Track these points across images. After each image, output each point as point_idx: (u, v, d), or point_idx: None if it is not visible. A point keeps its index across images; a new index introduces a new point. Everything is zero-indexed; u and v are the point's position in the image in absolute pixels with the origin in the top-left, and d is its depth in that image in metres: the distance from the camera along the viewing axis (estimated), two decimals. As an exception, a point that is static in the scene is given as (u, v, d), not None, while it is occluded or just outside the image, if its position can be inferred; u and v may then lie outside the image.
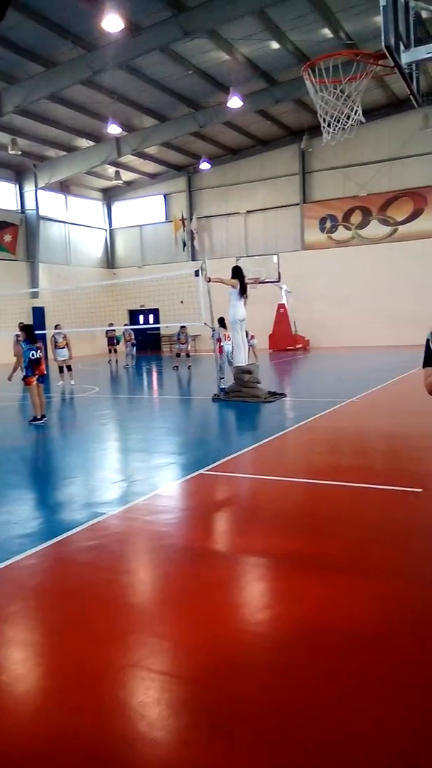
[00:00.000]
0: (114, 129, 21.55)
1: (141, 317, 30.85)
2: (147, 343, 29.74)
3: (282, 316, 25.70)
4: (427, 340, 3.47)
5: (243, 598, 3.65)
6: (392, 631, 3.10)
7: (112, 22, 14.83)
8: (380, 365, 17.16)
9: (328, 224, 27.21)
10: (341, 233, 27.02)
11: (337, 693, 2.61)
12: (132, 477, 6.50)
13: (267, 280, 23.98)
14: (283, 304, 25.63)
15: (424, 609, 3.34)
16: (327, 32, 17.56)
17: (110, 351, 22.57)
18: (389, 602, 3.43)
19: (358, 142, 24.67)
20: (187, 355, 19.68)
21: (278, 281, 24.76)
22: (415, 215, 25.48)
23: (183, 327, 19.44)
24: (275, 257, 25.37)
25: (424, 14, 7.52)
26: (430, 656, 2.87)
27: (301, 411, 10.30)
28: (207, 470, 6.42)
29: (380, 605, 3.38)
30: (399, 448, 7.41)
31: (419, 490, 5.46)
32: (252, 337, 18.04)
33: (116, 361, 22.23)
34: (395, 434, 8.11)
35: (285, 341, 25.52)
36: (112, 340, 22.63)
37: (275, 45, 18.30)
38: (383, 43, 3.57)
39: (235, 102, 19.93)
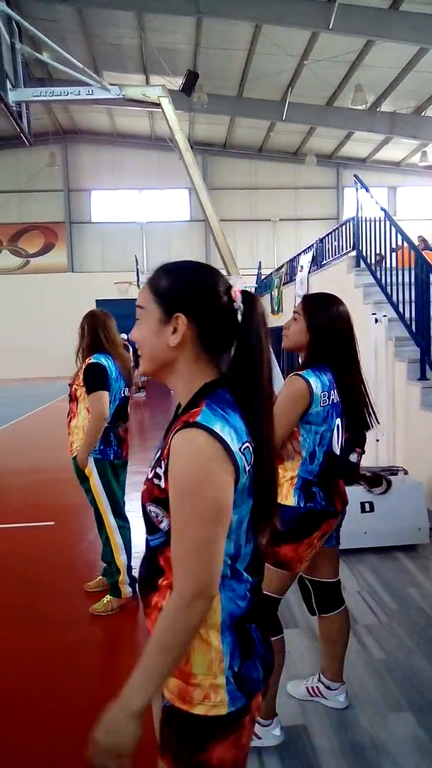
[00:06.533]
0: None
1: None
2: None
3: None
4: (95, 363, 3.54)
5: None
6: (33, 680, 2.98)
7: None
8: (14, 399, 16.92)
9: None
10: (-30, 260, 25.93)
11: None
12: None
13: None
14: None
15: (55, 648, 3.31)
16: None
17: None
18: (20, 647, 3.30)
19: (-14, 170, 24.21)
20: None
21: None
22: (46, 249, 26.00)
23: None
24: None
25: (41, 58, 7.72)
26: (65, 697, 2.84)
27: None
28: None
29: (10, 652, 3.23)
30: (33, 484, 7.33)
31: (52, 523, 5.48)
32: None
33: None
34: (29, 469, 8.01)
35: None
36: None
37: None
38: (-15, 78, 3.55)
39: None
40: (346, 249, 8.53)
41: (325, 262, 9.86)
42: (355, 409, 2.47)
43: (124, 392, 3.76)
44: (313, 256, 10.64)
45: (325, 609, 2.58)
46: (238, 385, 1.28)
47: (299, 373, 2.34)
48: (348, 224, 8.51)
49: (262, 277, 17.25)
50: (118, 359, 3.68)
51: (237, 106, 19.38)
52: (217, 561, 1.19)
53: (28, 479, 7.56)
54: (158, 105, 4.12)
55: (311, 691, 2.68)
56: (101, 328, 3.66)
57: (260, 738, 2.34)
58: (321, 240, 10.34)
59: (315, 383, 2.31)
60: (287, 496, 2.33)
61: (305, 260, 11.01)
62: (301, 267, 11.14)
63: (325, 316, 2.40)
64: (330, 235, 9.84)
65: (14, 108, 4.10)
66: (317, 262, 10.33)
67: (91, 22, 15.59)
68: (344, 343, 2.41)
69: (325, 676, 2.65)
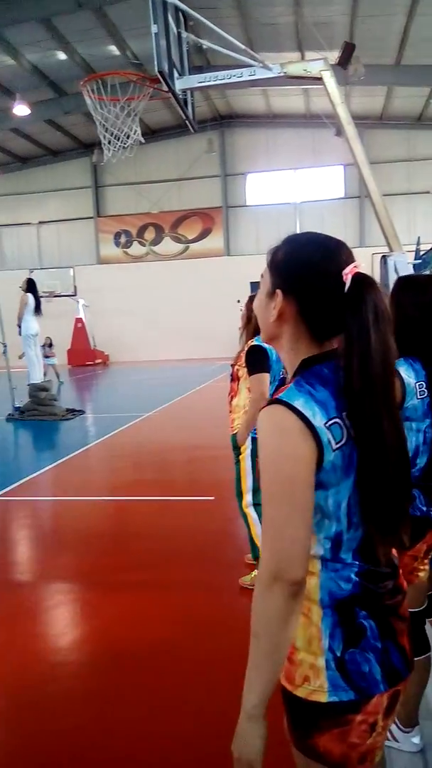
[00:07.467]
0: None
1: None
2: None
3: (80, 331, 25.30)
4: (257, 345, 3.61)
5: (42, 627, 3.51)
6: (189, 643, 3.18)
7: None
8: (176, 379, 17.69)
9: (123, 239, 27.49)
10: (136, 249, 27.45)
11: (147, 715, 2.60)
12: None
13: (62, 293, 23.48)
14: (81, 318, 25.26)
15: (216, 616, 3.47)
16: (114, 49, 17.77)
17: None
18: (185, 614, 3.51)
19: (149, 160, 25.35)
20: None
21: (74, 295, 24.38)
22: (204, 234, 26.78)
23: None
24: (71, 270, 24.95)
25: (204, 45, 7.94)
26: (224, 662, 2.99)
27: (101, 427, 10.21)
28: (0, 495, 6.07)
29: (175, 616, 3.45)
30: (194, 459, 7.67)
31: (212, 498, 5.71)
32: (53, 354, 17.61)
33: None
34: (191, 446, 8.39)
35: (84, 356, 25.14)
36: None
37: (63, 55, 18.06)
38: (156, 69, 3.71)
39: (21, 109, 19.25)
40: None
41: None
42: None
43: (283, 374, 3.84)
44: None
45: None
46: (344, 367, 1.20)
47: None
48: None
49: (421, 252, 16.38)
50: None
51: (395, 75, 18.48)
52: (295, 541, 1.13)
53: (190, 455, 7.92)
54: (319, 80, 4.07)
55: None
56: None
57: (398, 741, 2.29)
58: None
59: (407, 373, 2.10)
60: None
61: (472, 233, 10.29)
62: (468, 240, 10.43)
63: (412, 303, 2.14)
64: None
65: (180, 96, 4.26)
66: None
67: (248, 4, 15.65)
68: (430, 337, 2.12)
69: None
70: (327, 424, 1.17)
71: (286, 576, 1.12)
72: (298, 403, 1.17)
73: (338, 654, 1.19)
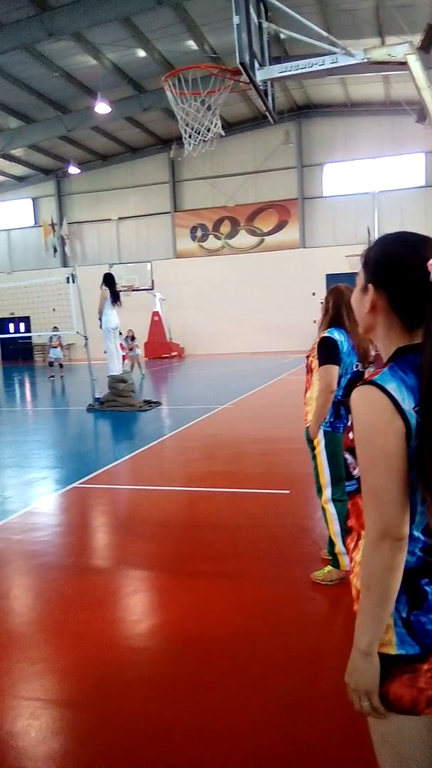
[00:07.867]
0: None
1: (11, 325, 29.62)
2: (18, 352, 28.61)
3: (156, 324, 25.78)
4: (328, 337, 3.60)
5: (120, 612, 3.61)
6: (262, 636, 3.19)
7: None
8: (251, 371, 17.70)
9: (199, 233, 27.72)
10: (211, 242, 27.61)
11: (220, 704, 2.64)
12: (0, 494, 6.20)
13: (140, 287, 23.95)
14: (158, 311, 25.71)
15: (290, 611, 3.47)
16: (192, 44, 17.88)
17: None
18: (258, 606, 3.52)
19: (225, 154, 25.41)
20: (60, 366, 19.10)
21: (152, 289, 24.83)
22: (279, 227, 26.61)
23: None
24: (148, 265, 25.40)
25: (282, 35, 7.85)
26: (296, 660, 2.99)
27: (176, 419, 10.36)
28: (81, 483, 6.28)
29: (247, 609, 3.47)
30: (269, 452, 7.66)
31: (287, 491, 5.68)
32: (136, 346, 18.13)
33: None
34: (265, 438, 8.38)
35: (160, 349, 25.60)
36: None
37: (142, 53, 18.35)
38: (238, 60, 3.70)
39: (102, 107, 19.72)
40: None
41: None
42: None
43: (356, 367, 3.76)
44: None
45: None
46: (421, 354, 1.30)
47: None
48: None
49: None
50: (354, 335, 3.68)
51: None
52: (396, 503, 1.27)
53: (265, 448, 7.92)
54: (403, 64, 3.95)
55: None
56: (345, 304, 3.68)
57: None
58: None
59: None
60: None
61: None
62: None
63: None
64: None
65: (261, 87, 4.24)
66: None
67: (327, -9, 15.37)
68: None
69: None
70: (415, 409, 1.28)
71: (393, 533, 1.28)
72: (391, 387, 1.29)
73: (404, 615, 1.34)
